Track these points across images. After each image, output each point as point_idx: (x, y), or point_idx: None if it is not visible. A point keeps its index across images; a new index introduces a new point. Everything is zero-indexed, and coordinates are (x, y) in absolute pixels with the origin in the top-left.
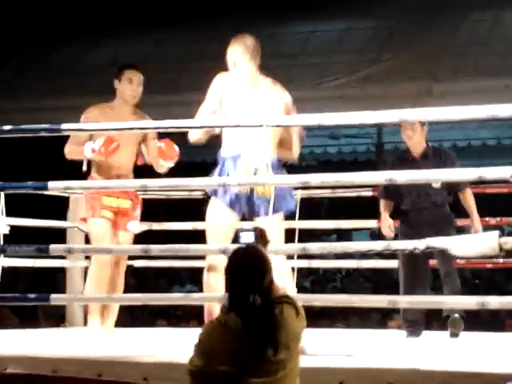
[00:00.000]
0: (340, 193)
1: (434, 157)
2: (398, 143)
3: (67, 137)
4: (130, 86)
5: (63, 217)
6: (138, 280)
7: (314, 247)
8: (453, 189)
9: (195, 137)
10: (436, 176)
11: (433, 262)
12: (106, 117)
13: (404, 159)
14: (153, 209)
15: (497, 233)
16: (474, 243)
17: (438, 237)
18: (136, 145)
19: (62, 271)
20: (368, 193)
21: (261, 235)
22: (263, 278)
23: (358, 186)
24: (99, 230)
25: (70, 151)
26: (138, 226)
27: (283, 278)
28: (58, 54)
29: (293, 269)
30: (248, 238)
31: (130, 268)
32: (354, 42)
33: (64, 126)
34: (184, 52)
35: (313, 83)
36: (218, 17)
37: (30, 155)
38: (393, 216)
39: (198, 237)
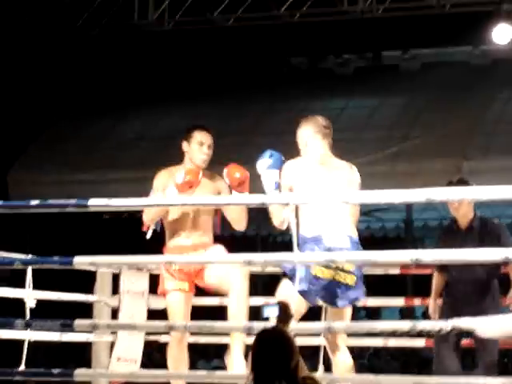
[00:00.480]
0: (367, 270)
1: (480, 228)
2: (428, 220)
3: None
4: (200, 148)
5: (91, 291)
6: (162, 354)
7: (340, 326)
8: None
9: (278, 222)
10: (460, 255)
11: None
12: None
13: (450, 230)
14: None
15: None
16: (502, 324)
17: (477, 314)
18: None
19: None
20: (395, 270)
21: (285, 310)
22: (289, 363)
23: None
24: (172, 306)
25: (147, 213)
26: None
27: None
28: (88, 129)
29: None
30: (271, 312)
31: (155, 343)
32: (384, 118)
33: (91, 201)
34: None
35: (343, 159)
36: (252, 91)
37: (63, 226)
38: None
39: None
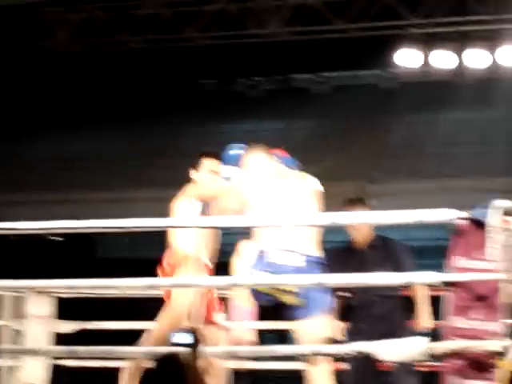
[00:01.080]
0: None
1: (382, 248)
2: (336, 242)
3: None
4: (213, 178)
5: None
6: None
7: (243, 351)
8: None
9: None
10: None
11: None
12: None
13: (348, 251)
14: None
15: (426, 338)
16: (403, 348)
17: (382, 337)
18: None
19: None
20: None
21: (196, 337)
22: None
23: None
24: None
25: None
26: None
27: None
28: None
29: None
30: (182, 338)
31: (62, 367)
32: (293, 141)
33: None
34: (120, 149)
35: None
36: (162, 114)
37: None
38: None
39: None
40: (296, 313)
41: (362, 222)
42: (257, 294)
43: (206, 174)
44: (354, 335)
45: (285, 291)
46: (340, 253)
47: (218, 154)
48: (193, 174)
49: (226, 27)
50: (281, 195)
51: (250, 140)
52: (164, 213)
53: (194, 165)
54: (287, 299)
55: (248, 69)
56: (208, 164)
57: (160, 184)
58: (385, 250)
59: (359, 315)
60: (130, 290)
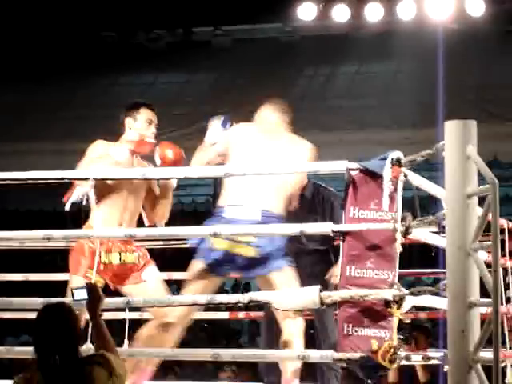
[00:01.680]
0: (172, 244)
1: (312, 195)
2: None
3: None
4: (148, 127)
5: None
6: None
7: (138, 301)
8: None
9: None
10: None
11: None
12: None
13: None
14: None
15: (318, 287)
16: (297, 297)
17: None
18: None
19: None
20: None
21: (92, 291)
22: (67, 338)
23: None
24: None
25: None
26: None
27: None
28: None
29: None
30: (81, 295)
31: None
32: (193, 94)
33: None
34: (19, 103)
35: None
36: (62, 65)
37: None
38: None
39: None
40: (257, 267)
41: (267, 172)
42: (214, 260)
43: (143, 123)
44: None
45: (240, 242)
46: None
47: (152, 105)
48: (128, 122)
49: None
50: (261, 155)
51: (149, 92)
52: (67, 165)
53: (129, 113)
54: (244, 251)
55: (148, 21)
56: (146, 113)
57: (62, 136)
58: (316, 198)
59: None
60: (29, 242)
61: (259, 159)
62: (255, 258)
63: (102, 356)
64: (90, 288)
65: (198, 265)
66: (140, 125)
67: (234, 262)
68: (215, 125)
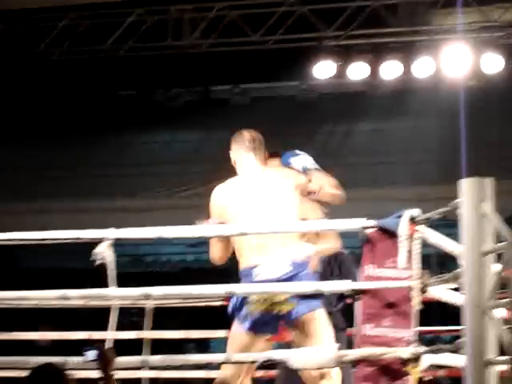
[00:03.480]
0: (190, 303)
1: (328, 258)
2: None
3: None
4: None
5: None
6: None
7: (155, 359)
8: None
9: (215, 256)
10: None
11: None
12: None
13: None
14: None
15: (335, 346)
16: (314, 355)
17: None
18: None
19: None
20: (217, 302)
21: (102, 352)
22: None
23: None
24: None
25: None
26: None
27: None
28: None
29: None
30: (92, 356)
31: None
32: (210, 152)
33: None
34: (41, 159)
35: (168, 192)
36: (81, 124)
37: None
38: None
39: None
40: (292, 316)
41: (275, 231)
42: (254, 319)
43: None
44: None
45: (278, 302)
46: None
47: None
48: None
49: (142, 39)
50: (258, 198)
51: (167, 151)
52: (86, 223)
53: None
54: (284, 308)
55: (166, 80)
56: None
57: (82, 194)
58: (333, 261)
59: None
60: (45, 302)
61: (260, 210)
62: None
63: None
64: (101, 349)
65: (236, 327)
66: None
67: (274, 320)
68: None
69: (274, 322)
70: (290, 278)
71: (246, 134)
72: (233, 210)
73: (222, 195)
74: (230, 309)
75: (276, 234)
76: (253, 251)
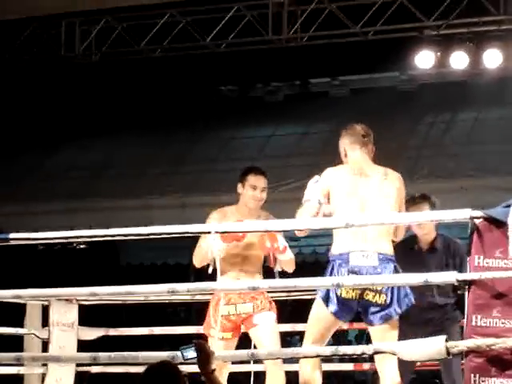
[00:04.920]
0: (297, 295)
1: (443, 249)
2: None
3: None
4: (253, 193)
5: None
6: None
7: (262, 353)
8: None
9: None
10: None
11: None
12: (225, 221)
13: (409, 250)
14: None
15: (444, 337)
16: (422, 347)
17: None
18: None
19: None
20: None
21: (201, 350)
22: None
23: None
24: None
25: (195, 256)
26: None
27: None
28: (18, 162)
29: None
30: (190, 354)
31: (87, 374)
32: (311, 145)
33: (12, 235)
34: (142, 157)
35: (270, 186)
36: (182, 121)
37: None
38: None
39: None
40: (381, 312)
41: (389, 222)
42: (341, 311)
43: (249, 189)
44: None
45: (372, 290)
46: (400, 251)
47: (262, 171)
48: (239, 188)
49: (242, 34)
50: (359, 195)
51: (268, 145)
52: (186, 219)
53: (240, 180)
54: (375, 297)
55: (266, 74)
56: (251, 179)
57: (182, 191)
58: (447, 251)
59: (412, 318)
60: (153, 296)
61: (360, 202)
62: (381, 305)
63: None
64: (199, 346)
65: (322, 308)
66: (245, 191)
67: (361, 309)
68: (310, 184)
69: (356, 310)
70: (382, 270)
71: (359, 128)
72: (336, 193)
73: (330, 177)
74: (321, 293)
75: (371, 228)
76: (350, 238)
